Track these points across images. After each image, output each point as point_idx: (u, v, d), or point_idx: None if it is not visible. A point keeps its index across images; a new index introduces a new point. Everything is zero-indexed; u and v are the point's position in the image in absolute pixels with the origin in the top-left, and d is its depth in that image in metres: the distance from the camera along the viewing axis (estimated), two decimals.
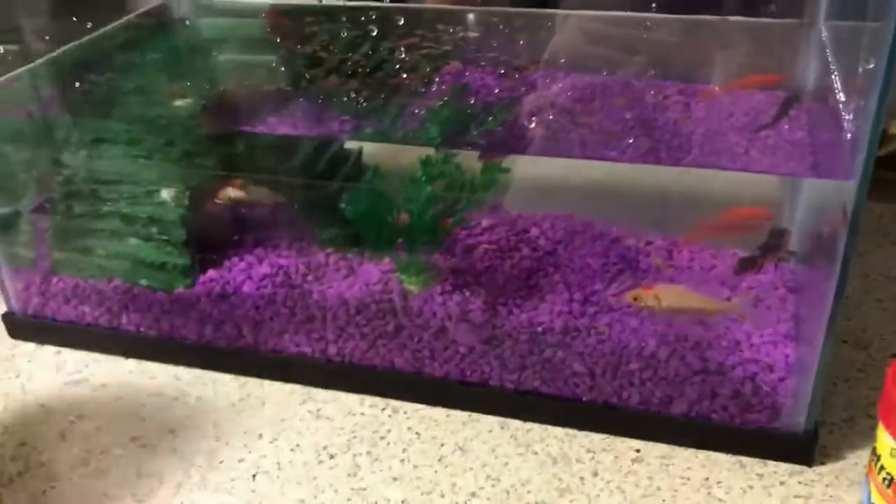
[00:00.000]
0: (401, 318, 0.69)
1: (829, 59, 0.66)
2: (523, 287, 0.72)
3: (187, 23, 0.87)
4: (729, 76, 0.75)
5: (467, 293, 0.71)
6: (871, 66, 0.49)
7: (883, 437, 0.49)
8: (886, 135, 0.95)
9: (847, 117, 0.56)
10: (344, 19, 0.81)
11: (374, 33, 0.77)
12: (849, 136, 0.54)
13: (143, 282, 0.75)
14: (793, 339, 0.66)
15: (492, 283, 0.72)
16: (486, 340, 0.68)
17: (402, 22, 0.81)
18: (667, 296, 0.65)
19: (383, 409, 0.69)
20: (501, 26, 0.85)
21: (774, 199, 0.80)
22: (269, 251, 0.77)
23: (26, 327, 0.79)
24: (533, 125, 0.68)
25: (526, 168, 0.81)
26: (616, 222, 0.80)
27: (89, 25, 0.79)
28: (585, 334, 0.67)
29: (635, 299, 0.65)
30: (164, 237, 0.74)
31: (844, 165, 0.54)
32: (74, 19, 0.79)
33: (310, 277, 0.73)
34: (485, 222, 0.80)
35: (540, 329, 0.67)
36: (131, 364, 0.75)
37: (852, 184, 0.52)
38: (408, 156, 0.71)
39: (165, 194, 0.74)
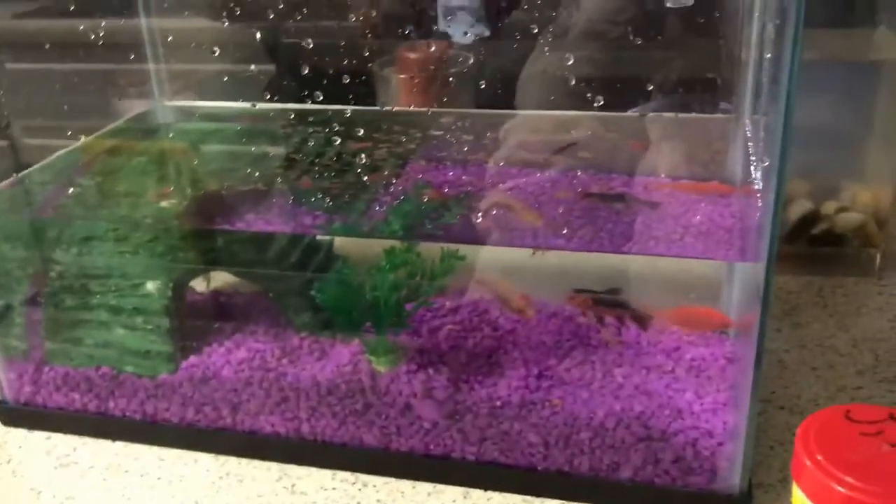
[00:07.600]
0: (369, 397, 0.75)
1: (750, 151, 0.73)
2: (484, 364, 0.78)
3: (170, 128, 0.94)
4: (670, 169, 0.83)
5: (431, 371, 0.76)
6: (767, 163, 0.56)
7: (796, 492, 0.54)
8: (819, 214, 1.03)
9: (760, 205, 0.63)
10: (316, 122, 0.88)
11: (342, 135, 0.84)
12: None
13: (129, 368, 0.80)
14: (731, 407, 0.72)
15: (454, 361, 0.78)
16: (448, 415, 0.73)
17: (372, 123, 0.89)
18: None
19: (353, 483, 0.73)
20: (464, 125, 0.93)
21: (718, 280, 0.86)
22: (246, 337, 0.82)
23: (18, 415, 0.83)
24: (487, 218, 0.75)
25: (487, 255, 0.88)
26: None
27: (81, 138, 0.86)
28: (540, 407, 0.72)
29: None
30: (149, 326, 0.80)
31: (754, 249, 0.60)
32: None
33: (284, 361, 0.79)
34: (449, 304, 0.86)
35: (499, 403, 0.73)
36: (118, 447, 0.80)
37: (761, 265, 0.59)
38: (375, 247, 0.78)
39: (150, 286, 0.80)
